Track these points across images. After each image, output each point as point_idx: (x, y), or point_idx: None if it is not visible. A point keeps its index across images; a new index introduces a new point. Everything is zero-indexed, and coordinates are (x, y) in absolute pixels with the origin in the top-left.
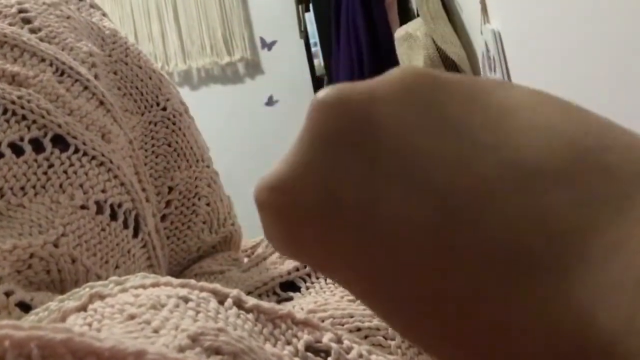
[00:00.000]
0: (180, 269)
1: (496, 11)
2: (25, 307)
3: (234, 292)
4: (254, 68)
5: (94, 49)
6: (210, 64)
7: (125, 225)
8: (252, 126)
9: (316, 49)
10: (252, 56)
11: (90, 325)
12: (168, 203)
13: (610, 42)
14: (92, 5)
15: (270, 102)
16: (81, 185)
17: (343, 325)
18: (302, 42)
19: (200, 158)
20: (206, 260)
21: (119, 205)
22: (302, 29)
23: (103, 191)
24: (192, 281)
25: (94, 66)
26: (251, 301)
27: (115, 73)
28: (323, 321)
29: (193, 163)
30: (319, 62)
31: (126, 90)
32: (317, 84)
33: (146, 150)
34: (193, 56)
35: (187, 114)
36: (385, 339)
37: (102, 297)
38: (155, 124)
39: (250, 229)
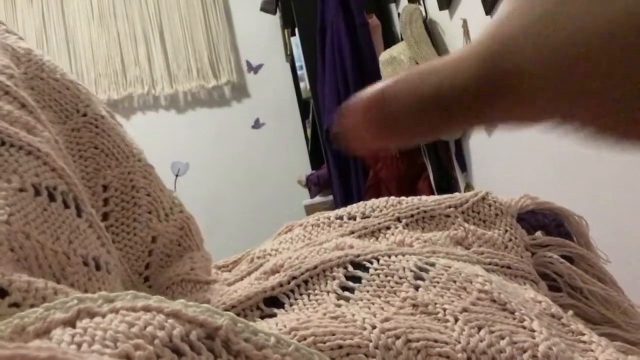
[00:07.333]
0: (144, 265)
1: (478, 34)
2: (1, 292)
3: (224, 325)
4: (240, 91)
5: (12, 64)
6: (197, 88)
7: (66, 205)
8: (238, 149)
9: (302, 72)
10: (239, 79)
11: (79, 345)
12: (106, 201)
13: None
14: (7, 30)
15: (256, 125)
16: (14, 171)
17: (325, 343)
18: (288, 65)
19: (130, 154)
20: (187, 263)
21: (54, 188)
22: (288, 52)
23: (36, 175)
24: (182, 309)
25: (13, 77)
26: (241, 342)
27: (32, 89)
28: (305, 339)
29: (123, 160)
30: (304, 85)
31: (45, 103)
32: (303, 106)
33: (73, 156)
34: (179, 80)
35: (112, 118)
36: (367, 356)
37: (90, 314)
38: (79, 130)
39: (234, 247)
